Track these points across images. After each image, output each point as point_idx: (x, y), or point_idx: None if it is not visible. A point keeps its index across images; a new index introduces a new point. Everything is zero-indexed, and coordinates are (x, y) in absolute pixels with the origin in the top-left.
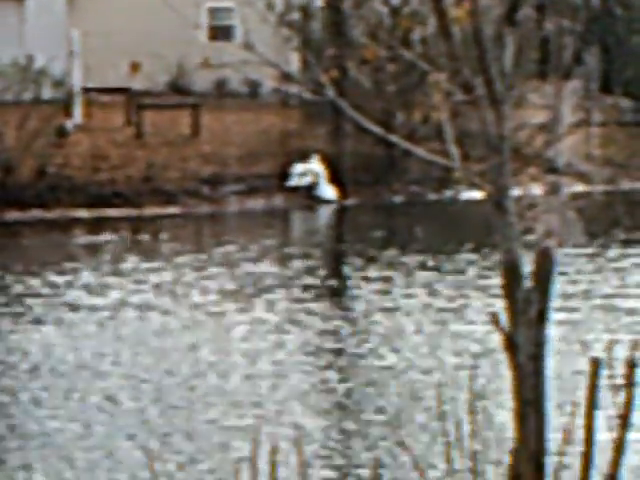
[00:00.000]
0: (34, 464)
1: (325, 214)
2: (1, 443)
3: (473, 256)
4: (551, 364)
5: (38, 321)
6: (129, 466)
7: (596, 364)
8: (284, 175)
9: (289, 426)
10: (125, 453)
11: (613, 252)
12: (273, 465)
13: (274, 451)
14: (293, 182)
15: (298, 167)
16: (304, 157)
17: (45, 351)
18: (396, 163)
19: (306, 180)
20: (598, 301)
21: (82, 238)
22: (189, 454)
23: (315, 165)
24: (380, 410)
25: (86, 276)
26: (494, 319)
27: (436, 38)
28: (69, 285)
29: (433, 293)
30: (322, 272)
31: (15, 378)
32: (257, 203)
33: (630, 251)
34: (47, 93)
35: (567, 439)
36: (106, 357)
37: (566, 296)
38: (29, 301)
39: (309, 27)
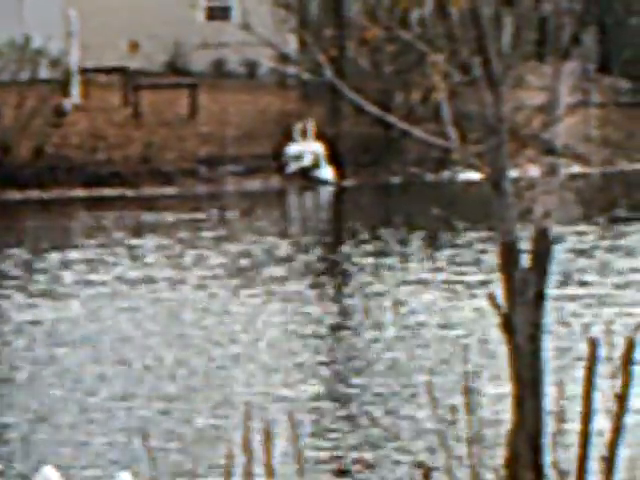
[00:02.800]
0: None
1: (323, 195)
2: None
3: (471, 234)
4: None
5: (45, 296)
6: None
7: (594, 344)
8: (281, 156)
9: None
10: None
11: (611, 231)
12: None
13: (267, 428)
14: (291, 168)
15: (292, 148)
16: (300, 132)
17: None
18: (394, 144)
19: (306, 161)
20: (599, 277)
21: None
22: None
23: (314, 145)
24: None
25: (92, 253)
26: (492, 300)
27: (434, 19)
28: (77, 262)
29: (431, 269)
30: (322, 249)
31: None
32: (254, 184)
33: (628, 229)
34: (45, 73)
35: (562, 419)
36: (115, 330)
37: (571, 272)
38: (35, 277)
39: (306, 7)
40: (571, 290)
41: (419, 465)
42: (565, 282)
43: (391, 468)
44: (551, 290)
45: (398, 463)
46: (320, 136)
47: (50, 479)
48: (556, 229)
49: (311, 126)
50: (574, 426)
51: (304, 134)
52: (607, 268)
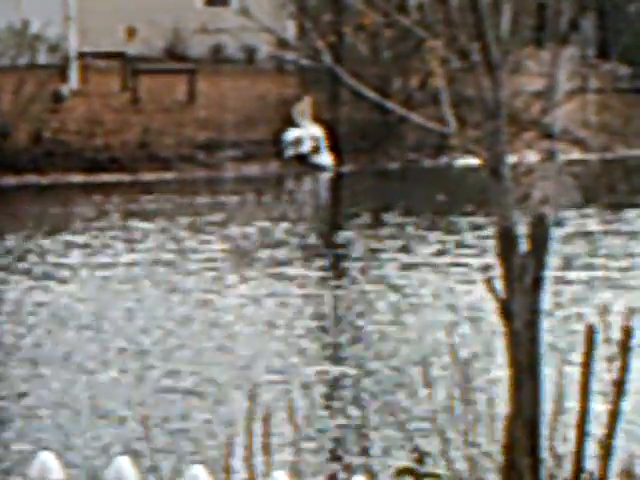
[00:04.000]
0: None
1: (321, 180)
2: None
3: (469, 220)
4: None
5: (45, 279)
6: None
7: (591, 330)
8: (279, 142)
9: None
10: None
11: (610, 216)
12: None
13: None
14: (289, 153)
15: (290, 134)
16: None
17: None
18: (392, 130)
19: (305, 147)
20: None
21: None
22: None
23: (314, 129)
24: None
25: (90, 237)
26: (489, 285)
27: (432, 4)
28: (76, 246)
29: (430, 253)
30: (322, 234)
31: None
32: (253, 169)
33: (626, 215)
34: (43, 58)
35: (560, 405)
36: (117, 313)
37: (570, 257)
38: (33, 261)
39: None
40: (572, 274)
41: (414, 450)
42: (566, 266)
43: (389, 453)
44: (551, 274)
45: (396, 447)
46: (318, 122)
47: (47, 465)
48: (558, 214)
49: (309, 105)
50: (572, 412)
51: (303, 114)
52: (607, 252)
